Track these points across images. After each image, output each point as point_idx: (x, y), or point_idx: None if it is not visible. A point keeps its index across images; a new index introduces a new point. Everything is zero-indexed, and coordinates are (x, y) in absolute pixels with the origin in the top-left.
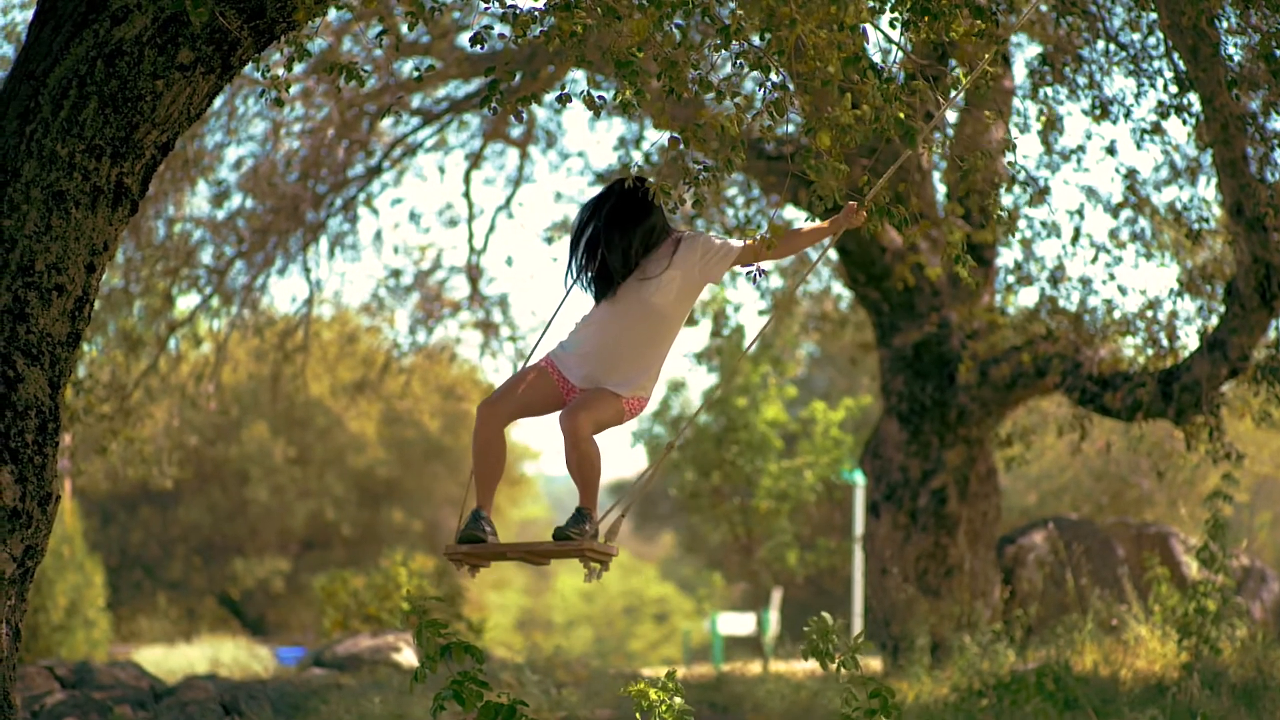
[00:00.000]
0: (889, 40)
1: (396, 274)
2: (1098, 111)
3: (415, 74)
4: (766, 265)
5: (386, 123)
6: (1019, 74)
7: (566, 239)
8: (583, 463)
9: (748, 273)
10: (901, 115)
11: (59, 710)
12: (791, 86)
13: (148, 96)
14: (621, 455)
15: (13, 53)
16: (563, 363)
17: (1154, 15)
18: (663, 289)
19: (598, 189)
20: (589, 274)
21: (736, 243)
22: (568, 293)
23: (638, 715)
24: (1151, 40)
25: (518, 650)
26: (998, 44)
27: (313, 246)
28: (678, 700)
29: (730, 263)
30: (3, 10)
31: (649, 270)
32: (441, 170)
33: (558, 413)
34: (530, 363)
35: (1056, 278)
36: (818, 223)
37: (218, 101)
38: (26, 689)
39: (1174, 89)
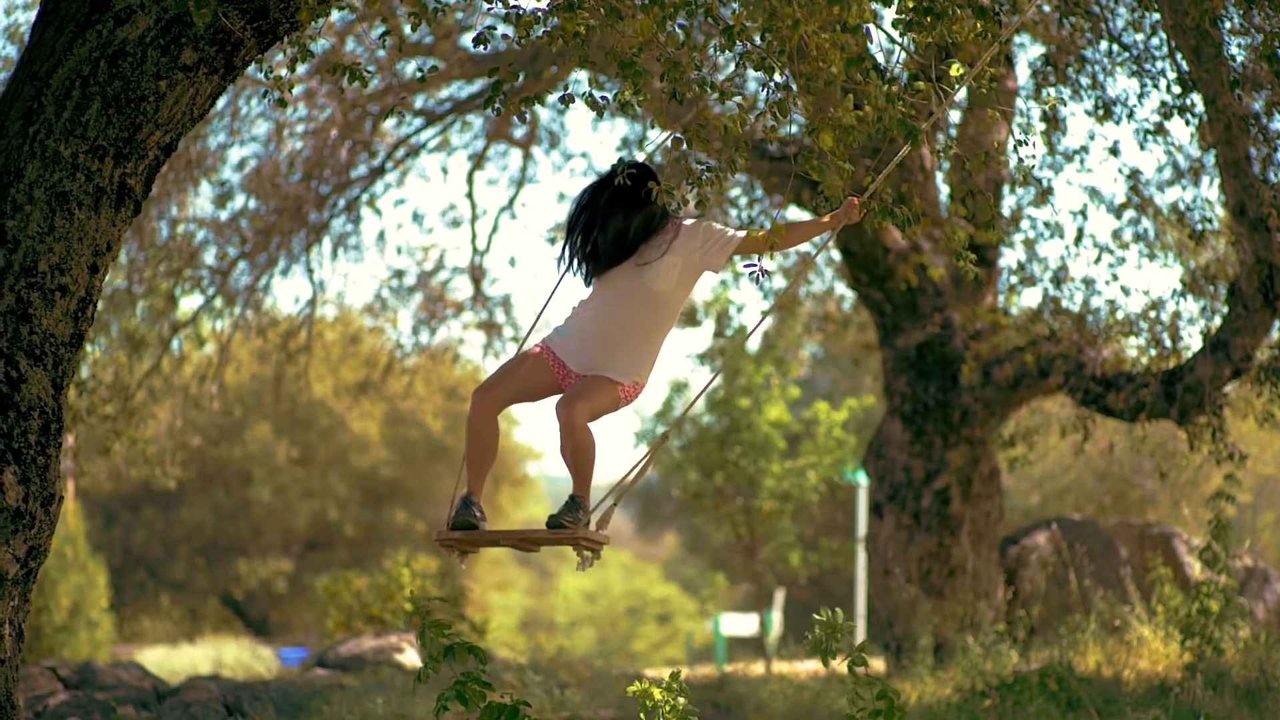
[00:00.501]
0: (892, 40)
1: (399, 274)
2: (1101, 112)
3: (418, 74)
4: (769, 265)
5: (389, 123)
6: (1022, 74)
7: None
8: (578, 452)
9: (750, 273)
10: (903, 115)
11: (62, 711)
12: (795, 87)
13: (151, 97)
14: (624, 457)
15: (16, 53)
16: (560, 348)
17: (1157, 16)
18: (663, 275)
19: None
20: (583, 254)
21: (739, 232)
22: (561, 277)
23: (641, 715)
24: (1154, 41)
25: (521, 651)
26: (1000, 44)
27: (316, 247)
28: (681, 700)
29: (730, 251)
30: (6, 11)
31: (647, 255)
32: (444, 171)
33: (554, 400)
34: (525, 348)
35: (1060, 278)
36: (817, 222)
37: (221, 102)
38: (29, 690)
39: (1177, 89)
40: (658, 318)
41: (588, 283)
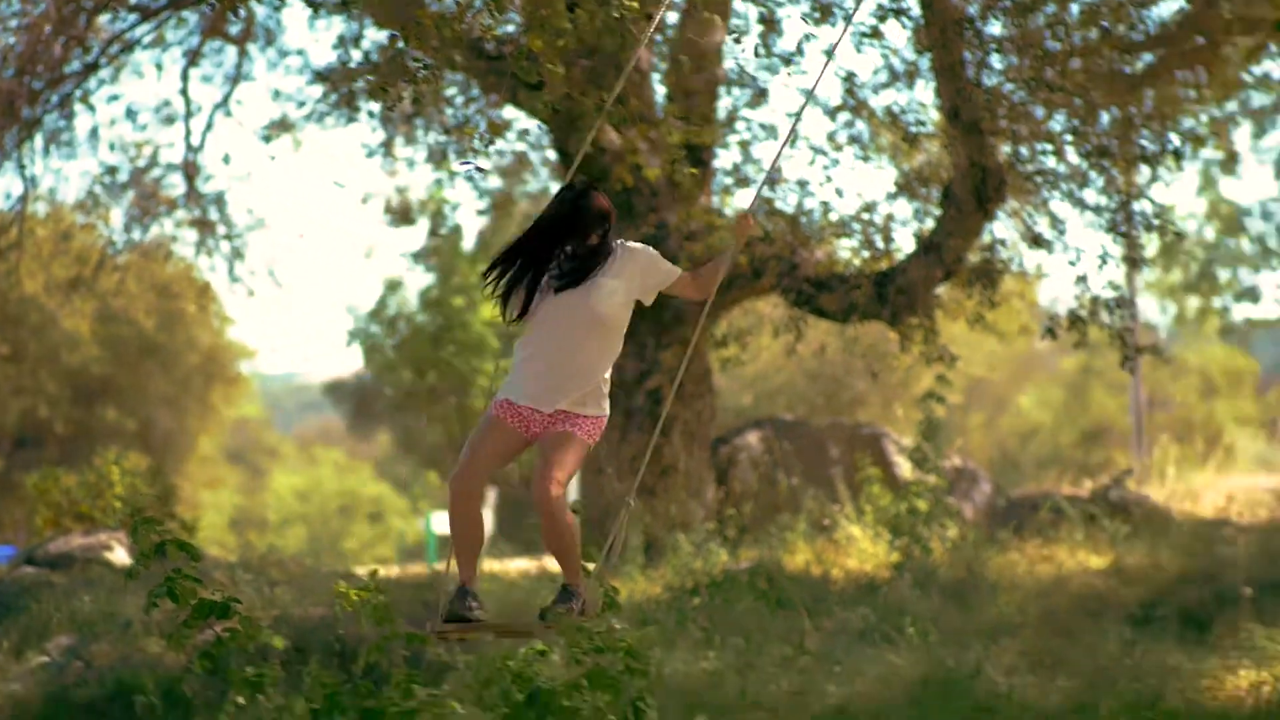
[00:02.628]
0: None
1: (113, 171)
2: (817, 15)
3: None
4: (484, 164)
5: (104, 19)
6: None
7: (285, 137)
8: (561, 535)
9: (465, 170)
10: (620, 16)
11: None
12: None
13: None
14: (339, 357)
15: None
16: (514, 395)
17: None
18: (609, 298)
19: (319, 88)
20: (530, 283)
21: (675, 269)
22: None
23: (337, 612)
24: None
25: (231, 549)
26: None
27: (28, 143)
28: (381, 598)
29: (665, 286)
30: None
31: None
32: (159, 67)
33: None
34: (485, 416)
35: (774, 179)
36: (724, 254)
37: None
38: None
39: None
40: (608, 342)
41: (521, 316)
